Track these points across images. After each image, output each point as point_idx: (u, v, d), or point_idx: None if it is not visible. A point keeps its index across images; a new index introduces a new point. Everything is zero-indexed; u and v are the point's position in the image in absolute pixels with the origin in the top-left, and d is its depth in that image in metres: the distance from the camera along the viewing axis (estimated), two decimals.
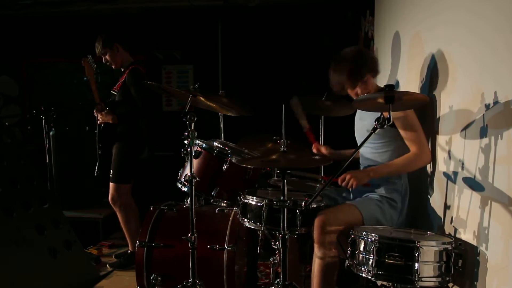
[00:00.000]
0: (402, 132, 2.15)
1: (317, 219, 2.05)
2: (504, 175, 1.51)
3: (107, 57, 3.32)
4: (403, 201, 2.23)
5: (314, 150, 2.73)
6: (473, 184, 1.74)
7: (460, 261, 1.70)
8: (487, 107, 1.62)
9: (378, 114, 2.12)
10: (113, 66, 3.37)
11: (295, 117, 2.69)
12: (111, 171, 3.28)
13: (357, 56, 2.26)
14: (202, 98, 2.30)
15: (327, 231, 2.04)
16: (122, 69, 3.36)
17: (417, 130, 2.13)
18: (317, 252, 2.09)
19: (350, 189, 2.14)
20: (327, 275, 2.10)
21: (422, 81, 2.35)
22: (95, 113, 3.27)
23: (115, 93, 3.34)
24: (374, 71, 2.30)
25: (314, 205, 2.10)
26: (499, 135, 1.54)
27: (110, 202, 3.32)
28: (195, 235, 2.14)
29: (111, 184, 3.29)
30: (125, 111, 3.25)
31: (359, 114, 2.42)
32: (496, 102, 1.55)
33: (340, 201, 2.39)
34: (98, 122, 3.27)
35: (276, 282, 2.02)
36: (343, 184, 2.10)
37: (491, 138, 1.60)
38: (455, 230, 1.88)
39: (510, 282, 1.44)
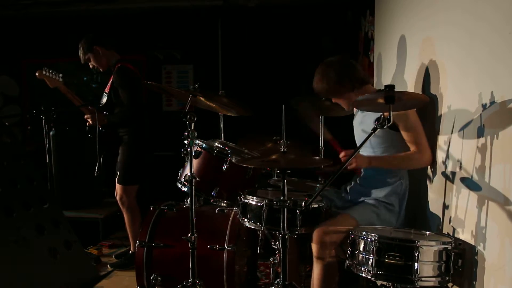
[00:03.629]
0: (403, 133, 2.14)
1: (315, 235, 2.08)
2: (500, 175, 1.51)
3: (92, 62, 3.30)
4: (401, 204, 2.23)
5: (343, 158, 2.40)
6: (470, 183, 1.74)
7: (460, 260, 1.71)
8: (484, 107, 1.62)
9: (378, 115, 2.13)
10: (100, 70, 3.35)
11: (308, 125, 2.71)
12: (118, 172, 3.28)
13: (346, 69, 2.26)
14: (202, 98, 2.30)
15: (326, 245, 2.08)
16: (112, 68, 3.33)
17: (418, 131, 2.11)
18: (315, 265, 2.13)
19: (351, 167, 2.13)
20: (327, 284, 2.12)
21: (422, 81, 2.35)
22: (86, 118, 3.23)
23: (107, 95, 3.32)
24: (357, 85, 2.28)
25: (314, 205, 2.10)
26: (495, 135, 1.54)
27: (119, 203, 3.32)
28: (195, 235, 2.14)
29: (118, 185, 3.30)
30: (115, 115, 3.24)
31: (359, 118, 2.41)
32: (492, 102, 1.56)
33: (338, 202, 2.40)
34: (88, 123, 3.23)
35: (276, 282, 2.02)
36: (344, 157, 2.12)
37: (487, 138, 1.60)
38: (454, 230, 1.89)
39: (507, 281, 1.45)
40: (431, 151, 2.13)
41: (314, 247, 2.09)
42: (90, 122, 3.22)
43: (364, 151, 2.34)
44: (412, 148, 2.13)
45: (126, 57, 3.39)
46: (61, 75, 3.33)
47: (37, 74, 3.28)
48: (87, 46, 3.25)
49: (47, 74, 3.28)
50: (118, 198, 3.31)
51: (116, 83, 3.21)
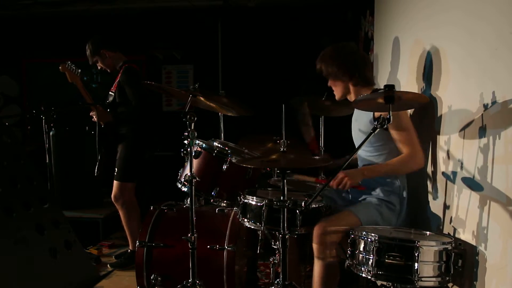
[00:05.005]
0: (393, 133, 2.12)
1: (315, 233, 2.05)
2: (502, 175, 1.51)
3: (100, 64, 3.39)
4: (401, 203, 2.22)
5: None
6: (472, 184, 1.74)
7: (460, 261, 1.71)
8: (486, 107, 1.62)
9: (371, 114, 2.13)
10: (108, 71, 3.43)
11: (299, 122, 2.68)
12: (116, 169, 3.31)
13: (357, 57, 2.27)
14: (202, 98, 2.30)
15: (327, 245, 2.05)
16: (118, 69, 3.40)
17: (410, 132, 2.09)
18: (316, 265, 2.11)
19: (345, 189, 2.10)
20: (328, 283, 2.11)
21: (422, 82, 2.35)
22: (91, 114, 3.28)
23: (113, 94, 3.37)
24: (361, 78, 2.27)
25: (314, 205, 2.10)
26: (497, 135, 1.54)
27: (113, 199, 3.34)
28: (195, 235, 2.14)
29: (115, 182, 3.32)
30: (121, 112, 3.28)
31: (355, 115, 2.42)
32: (494, 102, 1.56)
33: (339, 201, 2.39)
34: (93, 120, 3.28)
35: (276, 282, 2.02)
36: (336, 182, 2.06)
37: (489, 138, 1.60)
38: (455, 230, 1.89)
39: (508, 282, 1.44)
40: (423, 153, 2.12)
41: (315, 247, 2.07)
42: (95, 119, 3.26)
43: (362, 150, 2.34)
44: (404, 149, 2.11)
45: (126, 57, 3.43)
46: (79, 70, 3.39)
47: (60, 67, 3.36)
48: (94, 49, 3.34)
49: (70, 68, 3.36)
50: (112, 195, 3.32)
51: (124, 82, 3.26)
